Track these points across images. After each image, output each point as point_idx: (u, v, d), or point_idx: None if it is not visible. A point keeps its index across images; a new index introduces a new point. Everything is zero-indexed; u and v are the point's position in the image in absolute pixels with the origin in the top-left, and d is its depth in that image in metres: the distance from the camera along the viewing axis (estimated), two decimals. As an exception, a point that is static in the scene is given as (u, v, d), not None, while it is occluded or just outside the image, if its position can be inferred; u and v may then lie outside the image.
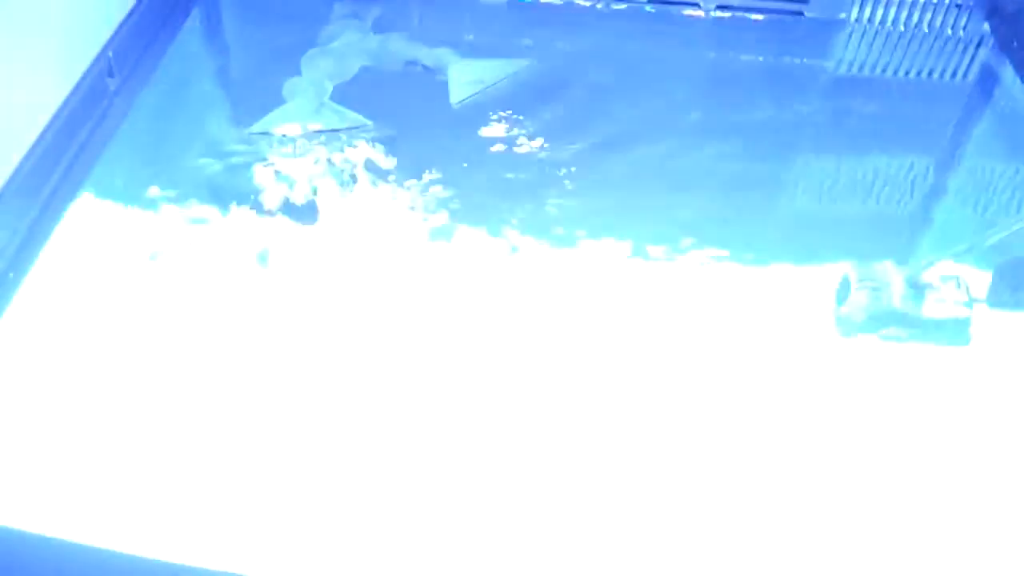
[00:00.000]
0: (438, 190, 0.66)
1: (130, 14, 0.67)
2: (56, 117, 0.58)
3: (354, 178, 0.65)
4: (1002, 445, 0.58)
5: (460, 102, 0.73)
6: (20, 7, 0.65)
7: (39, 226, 0.56)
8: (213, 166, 0.65)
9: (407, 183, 0.66)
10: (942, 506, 0.53)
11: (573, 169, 0.71)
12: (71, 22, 0.68)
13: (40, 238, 0.56)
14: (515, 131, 0.73)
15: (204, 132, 0.70)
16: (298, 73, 0.73)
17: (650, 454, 0.53)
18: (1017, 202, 0.73)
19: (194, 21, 0.77)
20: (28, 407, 0.51)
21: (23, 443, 0.51)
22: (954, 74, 0.83)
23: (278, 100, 0.71)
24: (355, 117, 0.69)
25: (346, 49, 0.75)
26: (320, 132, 0.68)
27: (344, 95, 0.73)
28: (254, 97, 0.72)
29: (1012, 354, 0.63)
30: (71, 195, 0.57)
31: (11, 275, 0.54)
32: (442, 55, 0.76)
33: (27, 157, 0.56)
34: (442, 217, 0.65)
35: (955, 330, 0.64)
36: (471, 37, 0.79)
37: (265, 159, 0.66)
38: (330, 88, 0.72)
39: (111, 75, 0.63)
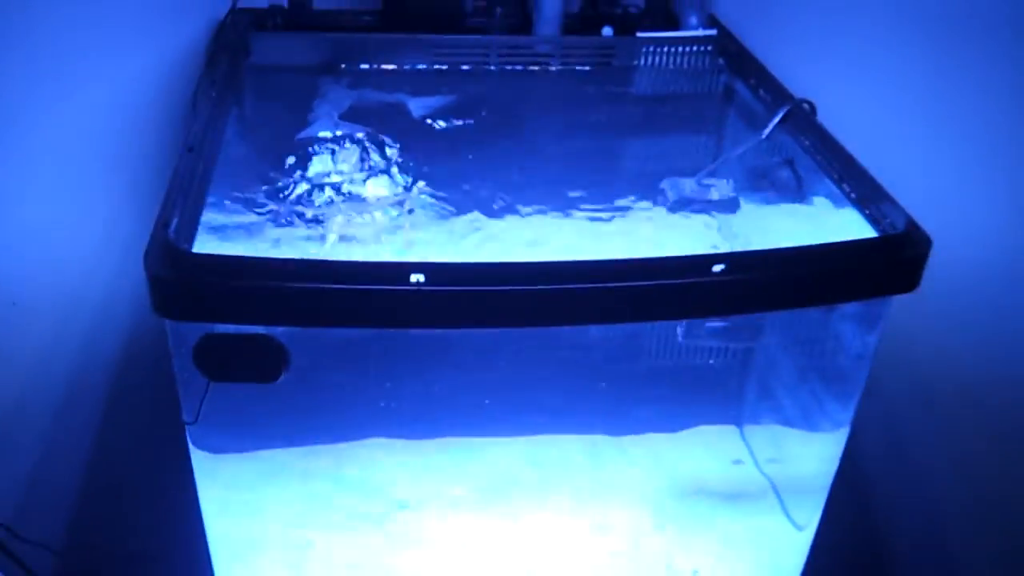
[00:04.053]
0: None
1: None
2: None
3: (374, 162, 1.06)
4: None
5: (419, 116, 1.14)
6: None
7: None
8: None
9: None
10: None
11: (489, 147, 1.11)
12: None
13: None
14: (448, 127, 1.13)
15: (277, 136, 1.08)
16: (312, 111, 1.14)
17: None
18: (744, 140, 1.13)
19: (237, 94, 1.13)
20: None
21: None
22: (709, 91, 1.29)
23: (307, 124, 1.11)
24: (357, 127, 1.09)
25: (338, 98, 1.15)
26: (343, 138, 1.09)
27: (345, 119, 1.11)
28: (292, 123, 1.10)
29: (763, 211, 1.04)
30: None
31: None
32: (399, 97, 1.17)
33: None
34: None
35: (728, 204, 1.09)
36: (408, 90, 1.22)
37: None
38: (336, 116, 1.13)
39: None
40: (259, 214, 0.94)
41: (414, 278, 0.72)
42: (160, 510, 1.22)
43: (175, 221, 0.77)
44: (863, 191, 0.90)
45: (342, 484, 1.08)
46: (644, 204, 1.02)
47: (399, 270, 0.72)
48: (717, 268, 0.77)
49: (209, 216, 0.86)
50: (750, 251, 0.82)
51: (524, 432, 1.13)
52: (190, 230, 0.80)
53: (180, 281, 0.72)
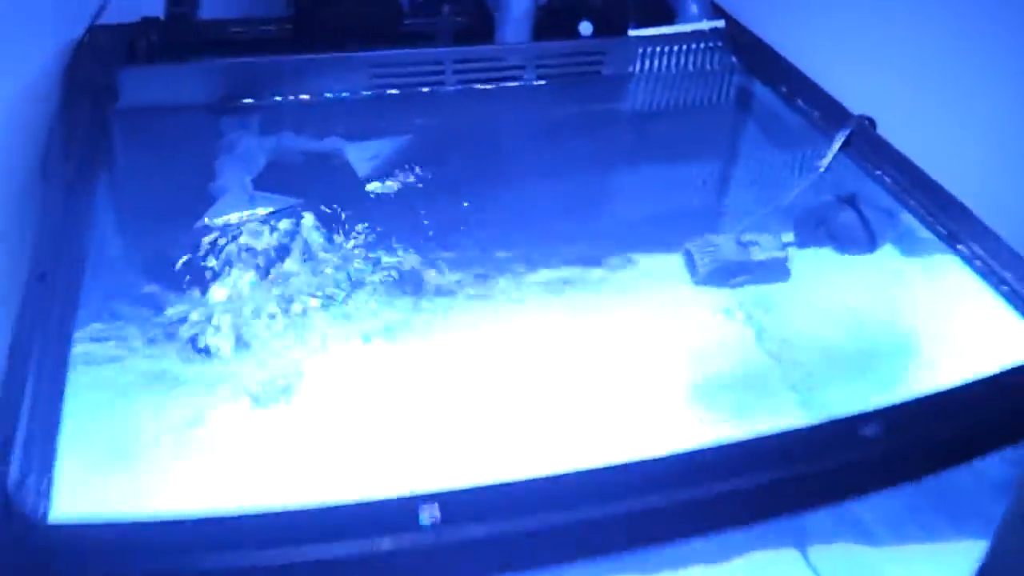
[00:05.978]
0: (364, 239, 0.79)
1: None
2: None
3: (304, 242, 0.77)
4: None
5: (366, 174, 0.86)
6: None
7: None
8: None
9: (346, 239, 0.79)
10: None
11: (465, 206, 0.84)
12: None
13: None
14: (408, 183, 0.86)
15: (167, 224, 0.78)
16: (214, 176, 0.84)
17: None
18: (788, 173, 0.94)
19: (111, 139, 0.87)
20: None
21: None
22: (720, 96, 1.04)
23: (209, 199, 0.81)
24: (283, 199, 0.81)
25: (249, 152, 0.87)
26: (257, 217, 0.80)
27: (263, 185, 0.83)
28: (187, 198, 0.80)
29: (823, 279, 0.82)
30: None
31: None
32: (332, 143, 0.90)
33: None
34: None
35: (777, 268, 0.85)
36: (342, 129, 0.93)
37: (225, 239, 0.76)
38: (249, 181, 0.84)
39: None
40: (145, 373, 0.64)
41: (425, 514, 0.49)
42: None
43: (17, 464, 0.48)
44: (971, 239, 0.73)
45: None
46: (663, 271, 0.82)
47: (402, 507, 0.49)
48: (869, 432, 0.56)
49: (75, 394, 0.57)
50: (913, 400, 0.58)
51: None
52: (46, 476, 0.51)
53: (31, 564, 0.48)
